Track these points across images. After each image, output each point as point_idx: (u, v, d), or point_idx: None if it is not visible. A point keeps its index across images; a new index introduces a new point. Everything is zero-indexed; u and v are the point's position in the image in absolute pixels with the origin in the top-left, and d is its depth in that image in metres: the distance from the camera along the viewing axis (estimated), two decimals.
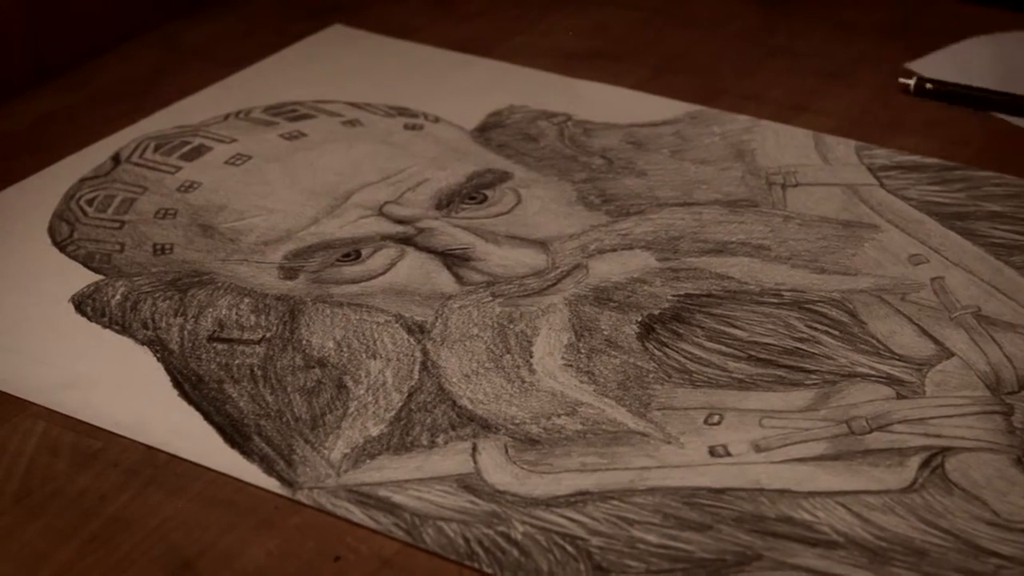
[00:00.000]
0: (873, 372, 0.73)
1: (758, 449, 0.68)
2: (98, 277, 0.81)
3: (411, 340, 0.76)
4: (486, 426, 0.70)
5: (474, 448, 0.69)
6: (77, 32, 1.06)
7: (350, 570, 0.63)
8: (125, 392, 0.73)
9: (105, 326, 0.77)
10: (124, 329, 0.77)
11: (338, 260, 0.82)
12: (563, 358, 0.74)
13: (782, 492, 0.66)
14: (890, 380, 0.72)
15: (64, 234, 0.85)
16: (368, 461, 0.68)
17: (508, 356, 0.74)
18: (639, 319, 0.77)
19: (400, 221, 0.85)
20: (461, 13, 1.14)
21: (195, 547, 0.65)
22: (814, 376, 0.73)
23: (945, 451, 0.68)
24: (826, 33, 1.08)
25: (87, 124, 0.98)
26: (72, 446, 0.70)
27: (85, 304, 0.79)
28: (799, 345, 0.75)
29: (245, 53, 1.08)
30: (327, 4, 1.15)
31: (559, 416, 0.70)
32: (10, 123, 0.99)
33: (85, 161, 0.93)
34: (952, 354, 0.74)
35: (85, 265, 0.82)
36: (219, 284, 0.80)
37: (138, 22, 1.10)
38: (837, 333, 0.76)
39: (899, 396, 0.71)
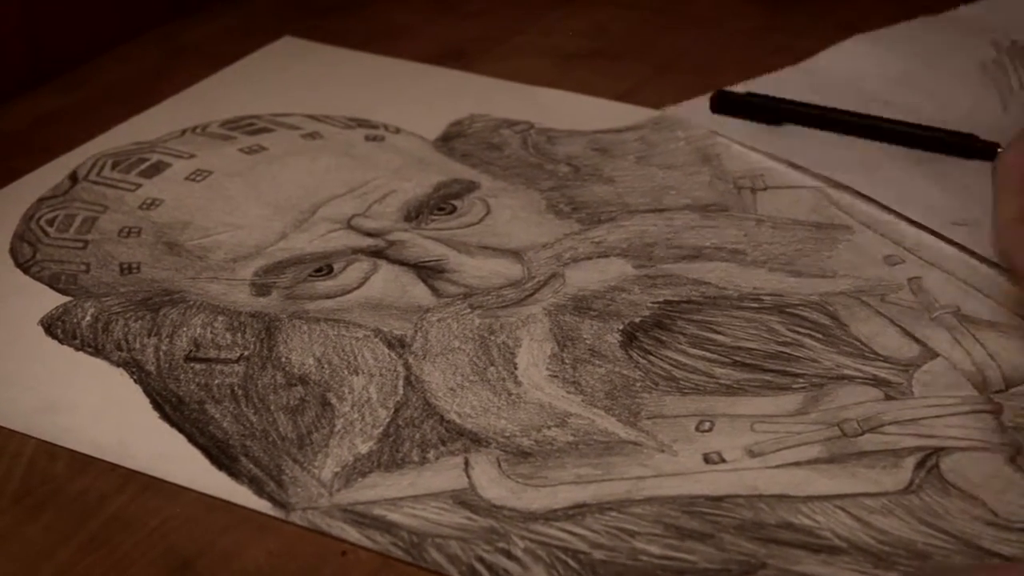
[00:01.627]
0: (859, 374, 0.73)
1: (752, 454, 0.68)
2: (65, 298, 0.80)
3: (392, 355, 0.74)
4: (476, 440, 0.69)
5: (466, 463, 0.68)
6: (77, 32, 1.05)
7: (351, 569, 0.62)
8: (104, 415, 0.71)
9: (77, 348, 0.76)
10: (97, 351, 0.75)
11: (310, 275, 0.81)
12: (548, 369, 0.73)
13: (780, 497, 0.65)
14: (877, 382, 0.72)
15: (27, 255, 0.83)
16: (360, 479, 0.67)
17: (492, 368, 0.73)
18: (620, 327, 0.76)
19: (369, 234, 0.84)
20: (461, 13, 1.14)
21: (195, 547, 0.64)
22: (801, 380, 0.72)
23: (939, 451, 0.68)
24: (826, 33, 1.08)
25: (87, 124, 0.97)
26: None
27: (55, 326, 0.77)
28: (783, 349, 0.74)
29: (245, 53, 1.07)
30: (327, 4, 1.14)
31: (549, 428, 0.70)
32: (10, 123, 0.98)
33: (42, 180, 0.91)
34: (936, 354, 0.74)
35: (51, 286, 0.81)
36: (191, 302, 0.79)
37: (138, 22, 1.10)
38: (820, 336, 0.75)
39: (887, 397, 0.71)
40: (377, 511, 0.65)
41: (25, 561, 0.64)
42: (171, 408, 0.71)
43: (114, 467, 0.68)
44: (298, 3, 1.16)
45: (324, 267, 0.81)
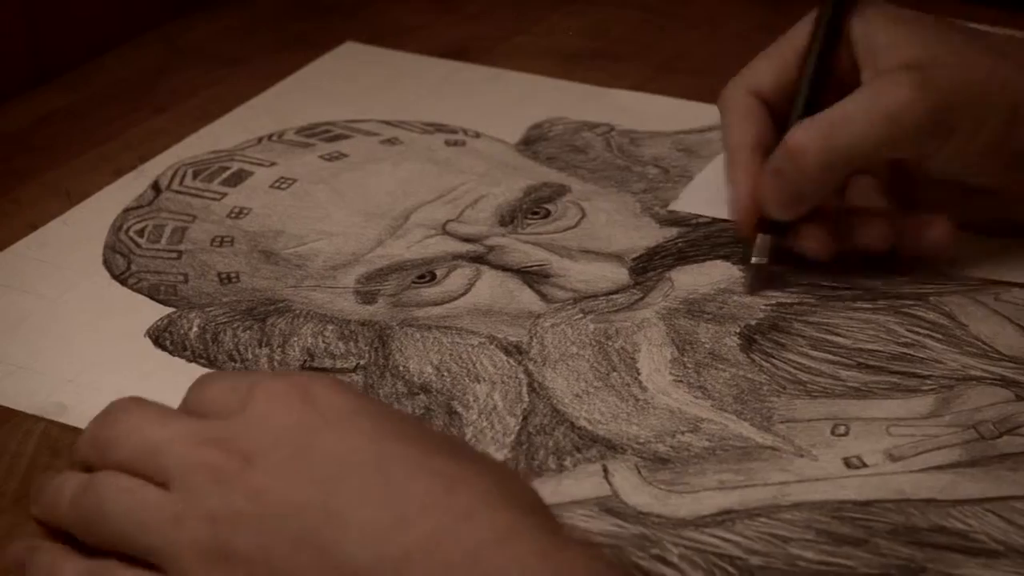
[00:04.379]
0: (987, 375, 0.72)
1: (893, 458, 0.67)
2: (167, 309, 0.78)
3: (511, 361, 0.73)
4: (611, 447, 0.68)
5: (605, 470, 0.66)
6: (77, 32, 1.04)
7: None
8: None
9: (190, 360, 0.74)
10: (211, 362, 0.74)
11: (414, 282, 0.80)
12: (671, 374, 0.72)
13: (928, 502, 0.64)
14: (1005, 382, 0.71)
15: (121, 267, 0.82)
16: None
17: (615, 374, 0.72)
18: (737, 330, 0.75)
19: (467, 239, 0.83)
20: (461, 13, 1.14)
21: None
22: (929, 381, 0.72)
23: None
24: None
25: (87, 124, 0.97)
26: (72, 446, 0.66)
27: (163, 338, 0.76)
28: (905, 350, 0.74)
29: (246, 53, 1.07)
30: (327, 3, 1.14)
31: (683, 433, 0.69)
32: (10, 123, 0.97)
33: (123, 191, 0.89)
34: None
35: (151, 298, 0.79)
36: (297, 312, 0.77)
37: (138, 22, 1.09)
38: (940, 336, 0.75)
39: (1018, 398, 0.70)
40: None
41: None
42: None
43: None
44: (299, 3, 1.16)
45: (427, 274, 0.80)
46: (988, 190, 0.77)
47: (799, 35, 0.78)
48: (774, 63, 0.77)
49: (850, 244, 0.77)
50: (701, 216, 0.85)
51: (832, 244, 0.77)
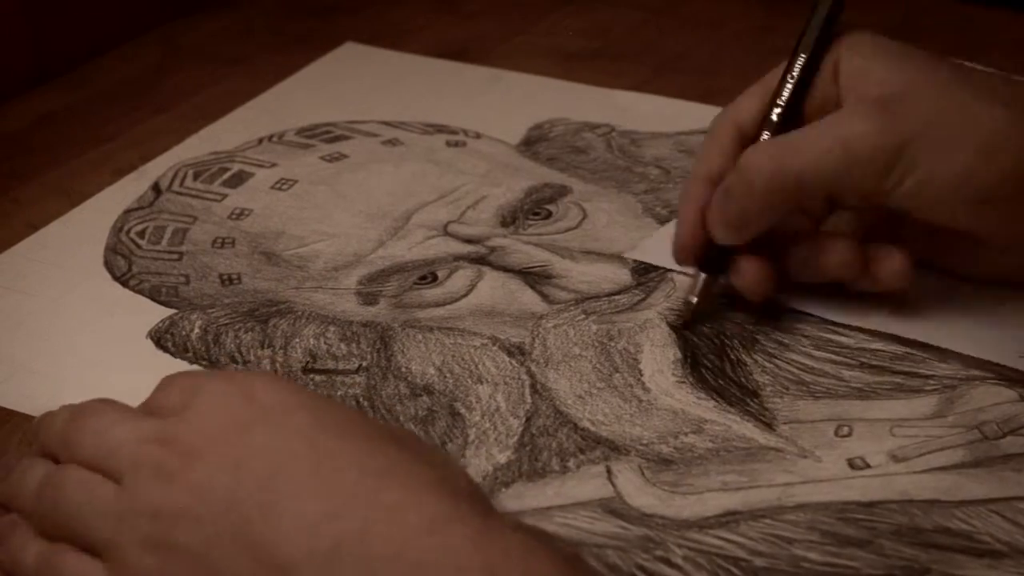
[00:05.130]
0: (990, 375, 0.72)
1: (896, 459, 0.67)
2: (169, 311, 0.78)
3: (513, 363, 0.73)
4: (614, 448, 0.68)
5: (608, 471, 0.66)
6: (77, 32, 1.05)
7: None
8: None
9: (192, 361, 0.74)
10: (212, 364, 0.74)
11: (415, 283, 0.79)
12: (674, 375, 0.72)
13: (932, 503, 0.64)
14: (1009, 382, 0.71)
15: (123, 268, 0.82)
16: (504, 490, 0.66)
17: (618, 375, 0.72)
18: (740, 331, 0.75)
19: (468, 240, 0.83)
20: (461, 13, 1.14)
21: None
22: (932, 381, 0.71)
23: None
24: None
25: (87, 124, 0.97)
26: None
27: (165, 339, 0.76)
28: (908, 350, 0.74)
29: (245, 52, 1.07)
30: (327, 3, 1.14)
31: (686, 434, 0.68)
32: (10, 123, 0.98)
33: (123, 192, 0.89)
34: None
35: (152, 299, 0.79)
36: (299, 313, 0.77)
37: (138, 22, 1.10)
38: None
39: (1022, 398, 0.70)
40: (529, 521, 0.64)
41: None
42: None
43: None
44: (299, 3, 1.16)
45: (428, 275, 0.80)
46: (961, 232, 0.72)
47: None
48: (757, 95, 0.75)
49: (812, 270, 0.75)
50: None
51: (768, 285, 0.74)
